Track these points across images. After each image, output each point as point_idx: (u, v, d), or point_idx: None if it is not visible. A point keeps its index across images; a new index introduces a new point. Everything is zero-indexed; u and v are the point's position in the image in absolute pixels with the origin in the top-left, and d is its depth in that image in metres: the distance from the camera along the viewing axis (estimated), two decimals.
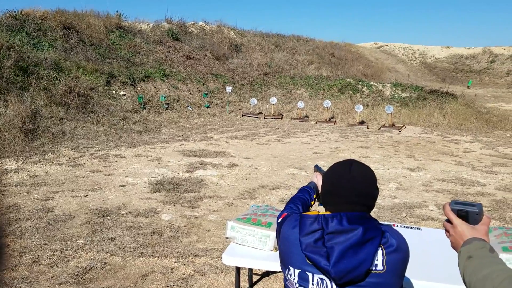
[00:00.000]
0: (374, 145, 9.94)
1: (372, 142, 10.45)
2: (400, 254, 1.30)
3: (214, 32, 22.74)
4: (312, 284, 1.31)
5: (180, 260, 3.71)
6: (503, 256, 2.13)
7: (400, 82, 17.85)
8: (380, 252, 1.28)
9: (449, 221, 1.18)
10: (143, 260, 3.70)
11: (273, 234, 2.35)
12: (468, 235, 1.11)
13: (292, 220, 1.42)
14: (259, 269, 3.46)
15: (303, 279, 1.34)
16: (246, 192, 5.80)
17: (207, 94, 15.04)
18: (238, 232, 2.41)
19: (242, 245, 2.41)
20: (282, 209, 2.87)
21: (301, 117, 14.36)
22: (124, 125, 10.57)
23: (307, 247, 1.31)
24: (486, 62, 46.34)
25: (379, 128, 12.71)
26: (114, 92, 12.30)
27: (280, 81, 18.36)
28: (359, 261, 1.25)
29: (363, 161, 7.77)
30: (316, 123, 13.75)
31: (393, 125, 12.79)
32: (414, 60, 48.38)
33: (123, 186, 5.93)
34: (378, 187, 1.42)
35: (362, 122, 13.48)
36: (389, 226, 1.38)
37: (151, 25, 18.94)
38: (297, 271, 1.35)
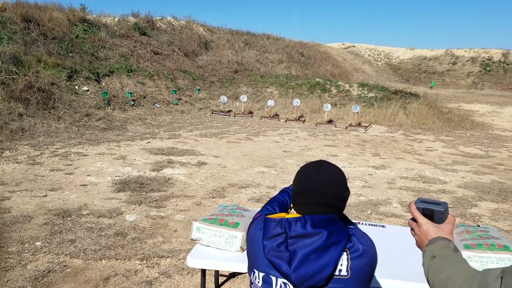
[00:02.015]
0: (342, 144, 10.09)
1: (339, 140, 10.61)
2: (365, 259, 1.27)
3: (183, 28, 22.43)
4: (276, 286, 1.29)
5: (145, 262, 3.61)
6: (464, 253, 2.18)
7: (366, 83, 18.23)
8: (345, 256, 1.25)
9: (414, 219, 1.16)
10: (105, 263, 3.57)
11: (240, 234, 2.32)
12: (432, 234, 1.10)
13: (259, 222, 1.39)
14: (226, 270, 3.42)
15: (267, 283, 1.31)
16: (215, 191, 5.73)
17: (175, 91, 14.81)
18: (204, 233, 2.36)
19: (208, 246, 2.36)
20: (250, 208, 2.84)
21: (271, 116, 14.39)
22: (87, 122, 10.24)
23: (269, 251, 1.28)
24: (448, 64, 48.07)
25: (346, 127, 12.93)
26: (77, 87, 11.89)
27: (251, 79, 18.34)
28: (321, 266, 1.22)
29: (331, 159, 7.89)
30: (286, 121, 13.83)
31: (359, 124, 13.04)
32: (379, 61, 49.56)
33: (85, 185, 5.73)
34: (349, 187, 1.40)
35: (330, 121, 13.66)
36: (358, 229, 1.35)
37: (117, 19, 18.45)
38: (261, 274, 1.32)
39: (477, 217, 5.20)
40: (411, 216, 1.17)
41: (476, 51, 49.06)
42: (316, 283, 1.23)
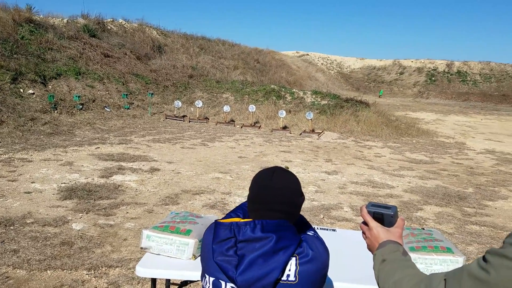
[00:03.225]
0: (296, 150, 10.25)
1: (294, 146, 10.77)
2: (314, 265, 1.26)
3: (135, 30, 21.93)
4: None
5: (92, 272, 3.46)
6: (410, 255, 2.27)
7: (319, 90, 18.68)
8: (293, 262, 1.24)
9: (365, 223, 1.17)
10: (50, 273, 3.39)
11: (192, 241, 2.28)
12: (383, 238, 1.11)
13: (211, 227, 1.37)
14: (177, 279, 3.35)
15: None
16: (168, 198, 5.61)
17: (127, 95, 14.40)
18: (154, 242, 2.29)
19: (159, 254, 2.30)
20: (203, 215, 2.80)
21: (226, 121, 14.36)
22: (32, 127, 9.70)
23: (218, 255, 1.27)
24: (396, 74, 50.44)
25: (300, 134, 13.15)
26: (21, 90, 11.25)
27: (206, 85, 18.22)
28: (267, 270, 1.21)
29: (286, 165, 7.96)
30: (241, 127, 13.85)
31: (313, 131, 13.32)
32: (332, 70, 51.11)
33: (29, 193, 5.41)
34: (304, 193, 1.40)
35: (285, 127, 13.84)
36: (312, 236, 1.34)
37: (65, 20, 17.72)
38: (211, 279, 1.30)
39: (423, 220, 5.45)
40: (363, 220, 1.18)
41: (422, 61, 51.90)
42: (262, 286, 1.22)
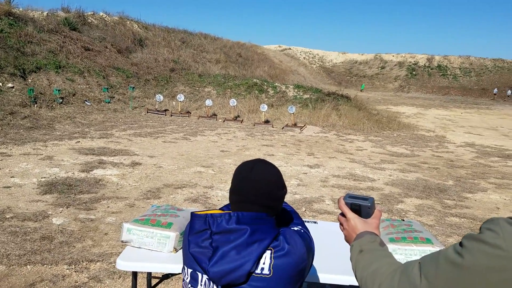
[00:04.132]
0: (278, 144, 10.28)
1: (276, 140, 10.80)
2: (290, 259, 1.23)
3: (116, 24, 21.57)
4: (201, 285, 1.27)
5: (73, 266, 3.42)
6: (390, 246, 2.31)
7: (301, 84, 18.76)
8: (268, 255, 1.22)
9: (343, 214, 1.17)
10: (30, 268, 3.34)
11: (173, 234, 2.27)
12: (360, 229, 1.12)
13: (190, 219, 1.37)
14: (158, 272, 3.34)
15: (193, 279, 1.30)
16: (150, 192, 5.57)
17: (107, 88, 14.18)
18: (135, 235, 2.28)
19: (140, 248, 2.29)
20: (184, 208, 2.79)
21: (209, 115, 14.29)
22: (11, 121, 9.47)
23: (193, 247, 1.27)
24: (377, 68, 51.01)
25: (282, 127, 13.20)
26: (0, 84, 10.96)
27: (188, 78, 18.08)
28: (240, 262, 1.19)
29: (268, 158, 7.99)
30: (223, 121, 13.81)
31: (295, 125, 13.38)
32: (314, 64, 51.33)
33: (8, 187, 5.30)
34: (285, 187, 1.38)
35: (267, 121, 13.86)
36: (291, 230, 1.32)
37: (45, 14, 17.33)
38: (189, 270, 1.31)
39: (403, 213, 5.54)
40: (340, 211, 1.18)
41: (403, 56, 52.61)
42: (235, 280, 1.20)
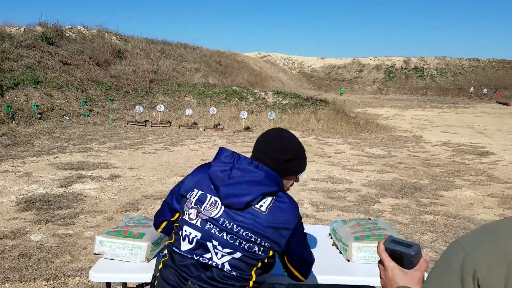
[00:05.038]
0: None
1: None
2: (287, 208, 1.47)
3: (94, 37, 21.47)
4: (207, 204, 1.49)
5: (51, 282, 3.43)
6: (355, 244, 2.42)
7: (281, 90, 18.97)
8: (269, 199, 1.46)
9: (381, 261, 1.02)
10: (8, 286, 3.34)
11: (145, 245, 2.33)
12: (399, 282, 0.96)
13: (208, 164, 1.63)
14: (134, 282, 3.37)
15: (200, 201, 1.51)
16: (129, 204, 5.59)
17: (86, 102, 14.09)
18: (107, 247, 2.33)
19: (112, 259, 2.34)
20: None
21: (189, 124, 14.33)
22: None
23: (214, 172, 1.51)
24: (355, 72, 51.77)
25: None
26: None
27: (167, 89, 18.09)
28: (245, 192, 1.43)
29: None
30: (204, 130, 13.85)
31: None
32: (294, 70, 51.81)
33: None
34: (298, 157, 1.63)
35: (247, 128, 13.97)
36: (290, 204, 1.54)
37: (22, 29, 17.19)
38: (199, 192, 1.52)
39: (379, 213, 5.68)
40: (379, 258, 1.03)
41: (380, 59, 53.49)
42: (235, 204, 1.44)
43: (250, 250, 1.44)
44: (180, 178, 7.04)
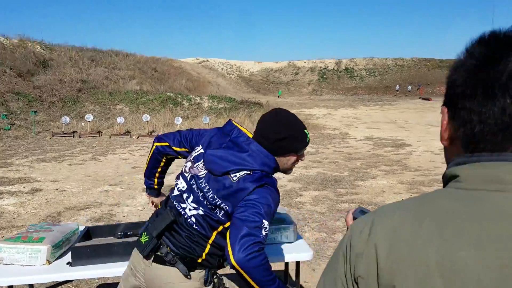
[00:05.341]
0: None
1: None
2: (254, 181, 1.51)
3: (16, 46, 20.31)
4: (200, 163, 1.66)
5: None
6: None
7: (216, 95, 19.15)
8: (244, 172, 1.55)
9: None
10: None
11: (44, 248, 2.38)
12: None
13: (226, 123, 1.77)
14: (35, 283, 3.38)
15: (197, 158, 1.69)
16: (49, 217, 5.46)
17: (6, 115, 13.34)
18: (6, 252, 2.35)
19: (12, 264, 2.37)
20: (62, 223, 2.88)
21: (122, 133, 14.04)
22: None
23: (216, 139, 1.69)
24: (291, 74, 53.32)
25: None
26: None
27: (97, 97, 17.57)
28: (226, 162, 1.56)
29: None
30: (138, 137, 13.65)
31: None
32: (232, 74, 52.29)
33: None
34: (290, 136, 1.64)
35: None
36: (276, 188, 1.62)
37: None
38: (201, 151, 1.69)
39: (301, 205, 6.02)
40: (347, 226, 1.02)
41: (314, 61, 55.55)
42: (214, 170, 1.58)
43: (212, 211, 1.59)
44: (107, 188, 6.98)
